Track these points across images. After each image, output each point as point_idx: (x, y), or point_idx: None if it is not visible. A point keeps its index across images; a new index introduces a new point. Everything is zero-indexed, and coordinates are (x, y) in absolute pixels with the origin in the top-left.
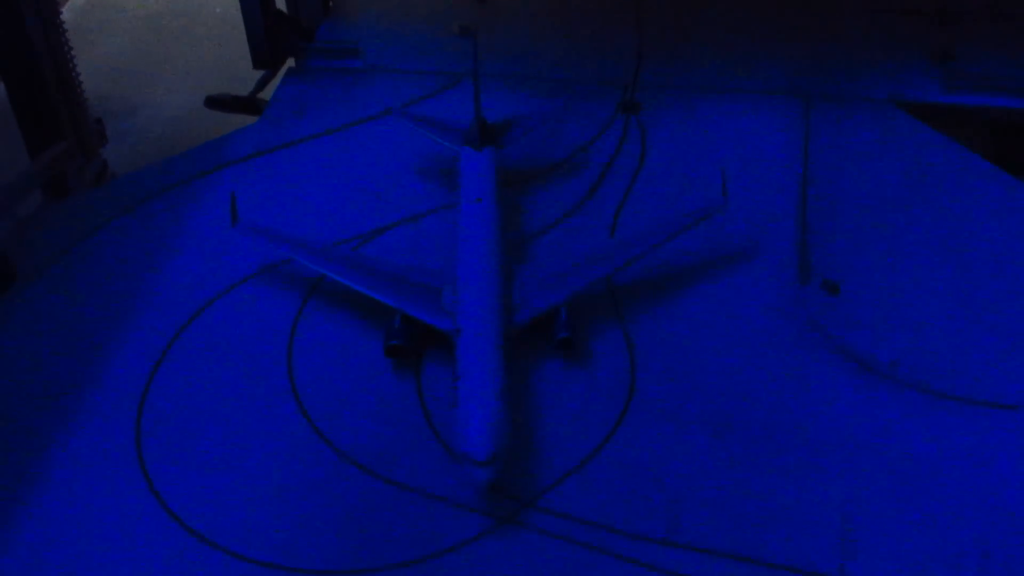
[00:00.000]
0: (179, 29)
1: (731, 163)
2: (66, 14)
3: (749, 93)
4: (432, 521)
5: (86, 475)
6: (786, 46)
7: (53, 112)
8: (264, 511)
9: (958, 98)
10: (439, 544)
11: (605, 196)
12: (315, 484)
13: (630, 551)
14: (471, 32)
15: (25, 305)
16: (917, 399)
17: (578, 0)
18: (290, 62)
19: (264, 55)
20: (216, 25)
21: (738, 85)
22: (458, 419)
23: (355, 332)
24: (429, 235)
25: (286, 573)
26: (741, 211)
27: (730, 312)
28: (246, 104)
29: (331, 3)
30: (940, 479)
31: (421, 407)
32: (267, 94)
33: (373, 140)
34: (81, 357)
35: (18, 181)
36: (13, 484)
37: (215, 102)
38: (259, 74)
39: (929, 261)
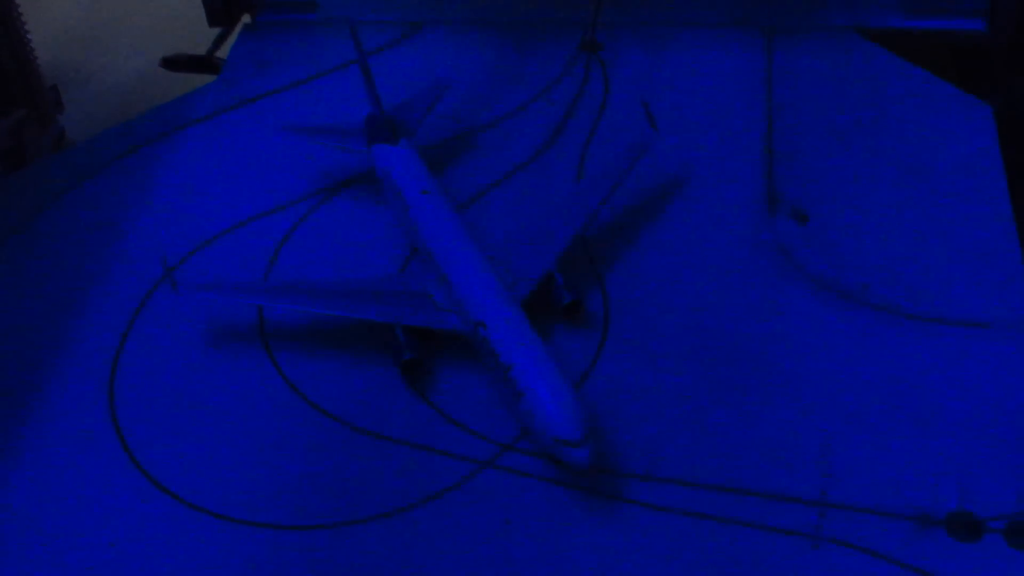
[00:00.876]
0: None
1: (696, 97)
2: None
3: (711, 27)
4: (413, 470)
5: (59, 442)
6: None
7: (6, 81)
8: (240, 468)
9: (918, 22)
10: (422, 492)
11: (569, 141)
12: (292, 439)
13: (612, 488)
14: None
15: None
16: (889, 321)
17: None
18: (246, 18)
19: (219, 12)
20: None
21: (700, 19)
22: (532, 408)
23: None
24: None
25: (268, 531)
26: (707, 145)
27: (701, 245)
28: (203, 63)
29: None
30: (916, 400)
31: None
32: (224, 52)
33: (332, 93)
34: (49, 324)
35: None
36: None
37: (171, 63)
38: (215, 32)
39: (896, 184)
